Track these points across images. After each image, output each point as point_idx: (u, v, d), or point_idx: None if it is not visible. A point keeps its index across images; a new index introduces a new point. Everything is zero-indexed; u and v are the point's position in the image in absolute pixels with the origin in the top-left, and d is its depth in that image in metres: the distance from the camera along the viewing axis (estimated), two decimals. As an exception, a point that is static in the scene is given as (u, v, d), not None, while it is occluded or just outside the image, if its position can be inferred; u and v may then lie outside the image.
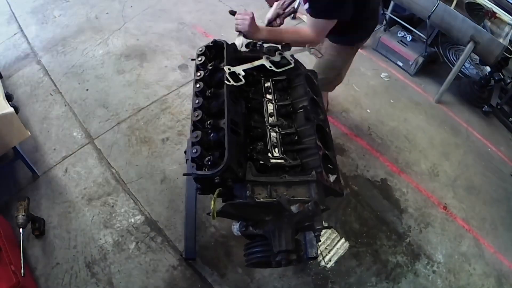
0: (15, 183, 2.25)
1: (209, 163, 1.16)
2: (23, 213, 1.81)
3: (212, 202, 1.17)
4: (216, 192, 1.18)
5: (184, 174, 1.27)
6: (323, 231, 2.25)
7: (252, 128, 1.41)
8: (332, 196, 1.47)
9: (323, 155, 1.37)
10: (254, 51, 1.65)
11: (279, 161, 1.34)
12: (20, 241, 1.76)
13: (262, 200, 1.16)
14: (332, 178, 1.35)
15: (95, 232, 2.09)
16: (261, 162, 1.29)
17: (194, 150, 1.17)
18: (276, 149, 1.38)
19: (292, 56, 1.67)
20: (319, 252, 2.13)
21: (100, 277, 1.93)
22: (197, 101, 1.35)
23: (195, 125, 1.29)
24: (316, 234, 1.20)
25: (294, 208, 1.12)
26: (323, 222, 1.21)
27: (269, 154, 1.35)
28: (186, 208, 2.13)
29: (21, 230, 1.79)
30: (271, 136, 1.41)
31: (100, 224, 2.12)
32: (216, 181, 1.15)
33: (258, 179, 1.20)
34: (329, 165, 1.40)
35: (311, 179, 1.21)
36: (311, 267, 2.10)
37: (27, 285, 1.67)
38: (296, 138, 1.42)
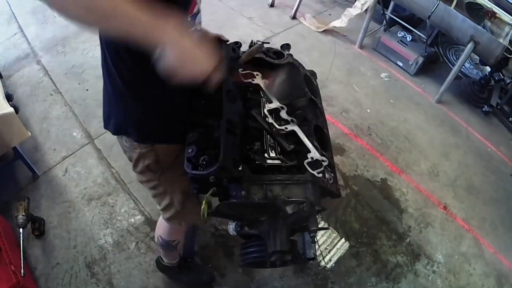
0: (15, 183, 2.25)
1: (204, 162, 1.15)
2: (23, 213, 1.81)
3: (203, 202, 1.16)
4: (209, 192, 1.18)
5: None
6: (323, 231, 2.26)
7: (249, 128, 1.41)
8: (330, 197, 1.46)
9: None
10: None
11: (275, 161, 1.33)
12: (20, 241, 1.76)
13: (256, 200, 1.15)
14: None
15: (95, 232, 2.09)
16: (257, 162, 1.29)
17: (190, 150, 1.17)
18: (273, 150, 1.38)
19: (291, 55, 1.66)
20: (319, 252, 2.14)
21: (100, 277, 1.93)
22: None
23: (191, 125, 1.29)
24: (311, 235, 1.20)
25: (289, 209, 1.12)
26: (322, 222, 1.21)
27: (266, 155, 1.35)
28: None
29: (21, 230, 1.79)
30: (268, 136, 1.41)
31: (100, 224, 2.12)
32: (211, 180, 1.15)
33: (254, 179, 1.20)
34: (326, 166, 1.39)
35: (307, 180, 1.21)
36: (311, 267, 2.10)
37: (27, 285, 1.67)
38: (294, 138, 1.42)
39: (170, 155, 1.16)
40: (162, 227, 1.50)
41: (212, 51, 0.81)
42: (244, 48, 1.72)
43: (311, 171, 1.28)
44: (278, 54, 1.69)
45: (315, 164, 1.33)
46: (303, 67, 1.69)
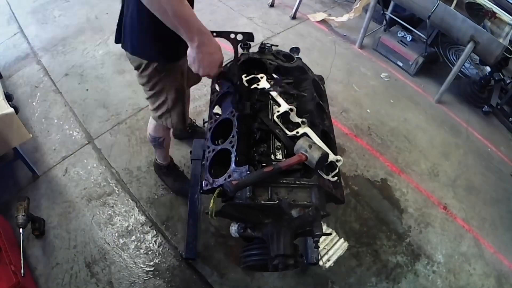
0: (15, 183, 2.24)
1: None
2: (23, 213, 1.81)
3: (212, 201, 1.17)
4: (216, 192, 1.19)
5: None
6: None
7: (256, 130, 1.41)
8: (334, 203, 1.47)
9: (327, 161, 1.36)
10: (262, 53, 1.66)
11: None
12: (20, 241, 1.76)
13: (262, 202, 1.15)
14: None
15: (95, 232, 2.09)
16: (263, 164, 1.29)
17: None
18: (279, 152, 1.38)
19: (300, 59, 1.67)
20: (318, 252, 2.13)
21: (100, 277, 1.93)
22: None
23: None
24: (315, 240, 1.20)
25: (294, 212, 1.12)
26: (324, 227, 1.21)
27: (272, 157, 1.35)
28: (189, 209, 2.12)
29: (21, 230, 1.79)
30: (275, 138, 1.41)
31: (100, 224, 2.12)
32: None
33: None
34: (331, 171, 1.39)
35: (313, 184, 1.21)
36: (311, 267, 2.10)
37: (27, 285, 1.67)
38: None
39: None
40: (151, 126, 1.86)
41: (220, 57, 1.18)
42: (254, 49, 1.73)
43: (325, 176, 1.28)
44: (287, 57, 1.70)
45: (329, 166, 1.33)
46: (312, 71, 1.69)
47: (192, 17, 1.08)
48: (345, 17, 3.97)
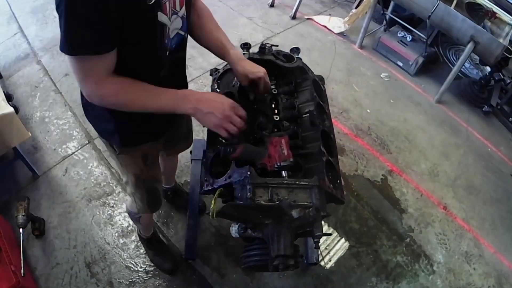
0: (15, 183, 2.25)
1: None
2: (23, 213, 1.81)
3: (212, 202, 1.17)
4: (217, 192, 1.19)
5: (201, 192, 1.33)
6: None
7: (256, 130, 1.41)
8: (334, 203, 1.47)
9: (327, 161, 1.36)
10: (262, 54, 1.65)
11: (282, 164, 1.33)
12: (20, 241, 1.76)
13: (262, 203, 1.15)
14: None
15: (95, 232, 2.09)
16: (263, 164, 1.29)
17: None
18: None
19: (300, 59, 1.67)
20: (319, 252, 2.13)
21: (100, 277, 1.93)
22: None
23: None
24: (315, 240, 1.20)
25: (294, 213, 1.12)
26: (325, 228, 1.21)
27: None
28: (189, 209, 2.12)
29: (21, 230, 1.79)
30: None
31: (100, 224, 2.12)
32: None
33: (260, 182, 1.20)
34: (331, 172, 1.39)
35: (313, 185, 1.21)
36: (311, 267, 2.10)
37: (27, 285, 1.67)
38: (300, 142, 1.42)
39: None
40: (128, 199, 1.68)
41: (222, 96, 1.12)
42: (254, 49, 1.73)
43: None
44: (288, 57, 1.70)
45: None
46: (312, 71, 1.69)
47: (166, 101, 1.02)
48: (342, 27, 3.94)
